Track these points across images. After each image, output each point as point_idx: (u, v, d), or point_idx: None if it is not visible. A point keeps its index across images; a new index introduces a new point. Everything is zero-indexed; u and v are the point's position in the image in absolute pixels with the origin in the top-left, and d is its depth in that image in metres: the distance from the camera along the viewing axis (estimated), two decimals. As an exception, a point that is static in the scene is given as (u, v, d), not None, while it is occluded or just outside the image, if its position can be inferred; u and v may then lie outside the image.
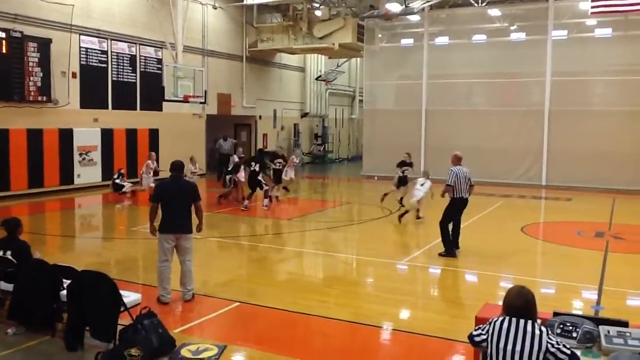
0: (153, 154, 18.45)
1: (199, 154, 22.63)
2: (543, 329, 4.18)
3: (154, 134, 21.41)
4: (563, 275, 9.80)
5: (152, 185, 15.62)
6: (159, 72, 21.33)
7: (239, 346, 6.30)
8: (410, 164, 15.91)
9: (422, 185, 13.60)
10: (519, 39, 22.77)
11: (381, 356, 6.44)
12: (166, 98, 19.24)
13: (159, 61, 21.60)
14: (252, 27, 26.62)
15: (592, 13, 19.79)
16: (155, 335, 5.61)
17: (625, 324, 4.62)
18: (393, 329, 7.06)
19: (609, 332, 4.54)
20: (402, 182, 15.53)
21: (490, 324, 4.26)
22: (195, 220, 7.80)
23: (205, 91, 20.97)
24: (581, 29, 21.72)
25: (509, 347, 4.05)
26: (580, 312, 6.53)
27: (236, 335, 6.71)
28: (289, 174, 17.87)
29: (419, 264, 10.52)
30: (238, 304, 7.67)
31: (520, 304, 4.20)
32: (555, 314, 4.96)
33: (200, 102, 21.15)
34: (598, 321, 4.75)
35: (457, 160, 10.58)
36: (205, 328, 7.02)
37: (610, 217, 15.07)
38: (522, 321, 4.14)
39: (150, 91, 20.92)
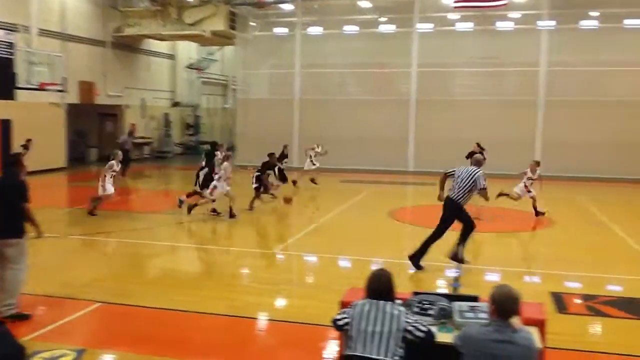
0: None
1: (58, 146, 21.13)
2: (402, 309, 4.32)
3: (5, 125, 19.64)
4: (428, 256, 10.30)
5: None
6: (11, 57, 19.57)
7: (102, 349, 5.94)
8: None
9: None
10: (387, 31, 23.62)
11: (257, 348, 6.37)
12: (19, 85, 17.69)
13: (11, 45, 19.81)
14: (117, 11, 25.23)
15: (455, 7, 21.01)
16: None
17: (475, 299, 4.90)
18: (269, 320, 7.05)
19: (462, 307, 4.80)
20: None
21: (352, 307, 4.34)
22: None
23: (65, 78, 19.59)
24: (445, 22, 22.98)
25: (369, 328, 4.14)
26: (439, 291, 6.86)
27: (100, 338, 6.33)
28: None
29: (292, 252, 10.58)
30: (99, 304, 7.23)
31: (378, 286, 4.32)
32: (415, 294, 5.16)
33: (59, 90, 19.71)
34: (452, 298, 5.01)
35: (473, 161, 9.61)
36: (64, 333, 6.53)
37: (478, 200, 16.03)
38: (381, 303, 4.25)
39: (-1, 78, 19.11)
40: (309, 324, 6.69)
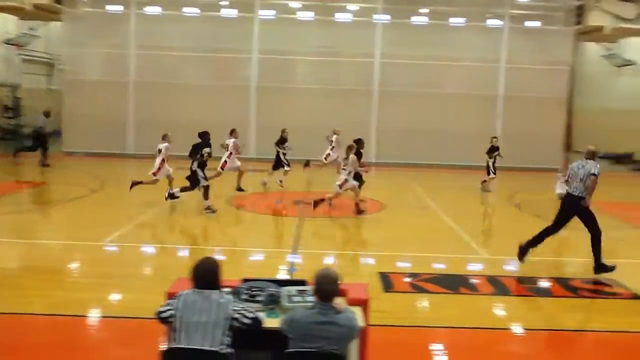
0: None
1: None
2: (228, 297, 4.22)
3: None
4: (264, 243, 10.35)
5: None
6: None
7: None
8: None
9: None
10: (229, 16, 23.23)
11: (84, 346, 5.89)
12: None
13: None
14: None
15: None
16: None
17: (304, 283, 4.93)
18: (99, 316, 6.61)
19: (290, 292, 4.83)
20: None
21: (176, 298, 4.15)
22: None
23: None
24: (287, 10, 23.14)
25: (194, 318, 4.00)
26: (276, 277, 6.86)
27: None
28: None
29: (126, 243, 10.01)
30: None
31: (203, 275, 4.17)
32: (244, 281, 5.08)
33: None
34: (282, 283, 5.00)
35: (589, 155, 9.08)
36: None
37: (308, 186, 16.46)
38: (207, 292, 4.11)
39: None
40: (142, 318, 6.32)
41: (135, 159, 20.91)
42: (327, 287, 3.97)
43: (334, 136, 17.20)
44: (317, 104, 22.44)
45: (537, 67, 22.86)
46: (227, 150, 14.28)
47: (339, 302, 4.20)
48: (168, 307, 4.14)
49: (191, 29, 22.75)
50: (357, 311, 4.55)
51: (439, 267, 9.22)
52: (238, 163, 14.48)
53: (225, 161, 14.16)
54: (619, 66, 28.52)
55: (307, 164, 17.03)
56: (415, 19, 23.59)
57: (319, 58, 22.76)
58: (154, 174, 13.05)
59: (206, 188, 12.01)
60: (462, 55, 22.82)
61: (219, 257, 9.05)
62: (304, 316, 3.99)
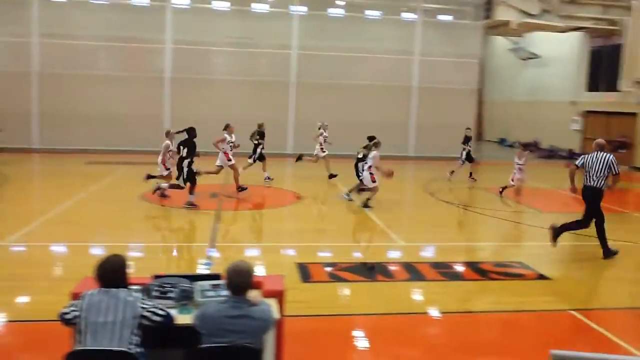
0: None
1: None
2: (137, 294, 4.07)
3: None
4: (180, 237, 10.10)
5: None
6: None
7: None
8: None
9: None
10: (140, 4, 22.38)
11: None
12: None
13: None
14: None
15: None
16: None
17: (218, 277, 4.82)
18: (5, 321, 6.22)
19: (203, 286, 4.71)
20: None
21: (81, 298, 3.96)
22: None
23: None
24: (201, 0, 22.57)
25: (100, 319, 3.84)
26: (189, 273, 6.68)
27: None
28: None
29: (31, 242, 9.46)
30: None
31: (107, 273, 3.99)
32: (155, 277, 4.91)
33: None
34: (195, 278, 4.87)
35: (596, 147, 9.27)
36: None
37: (225, 178, 16.17)
38: (113, 290, 3.95)
39: None
40: (46, 321, 5.96)
41: (39, 154, 19.90)
42: (238, 280, 3.89)
43: (321, 131, 17.37)
44: (234, 96, 22.14)
45: (449, 60, 23.63)
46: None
47: (253, 294, 4.14)
48: (72, 308, 3.95)
49: (100, 18, 21.74)
50: (273, 303, 4.50)
51: (357, 256, 9.34)
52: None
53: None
54: (524, 59, 30.00)
55: (299, 157, 16.94)
56: (331, 11, 23.71)
57: (235, 49, 22.43)
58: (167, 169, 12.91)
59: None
60: (378, 47, 23.19)
61: (131, 254, 8.80)
62: (216, 311, 3.90)
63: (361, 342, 6.03)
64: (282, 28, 22.79)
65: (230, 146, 13.67)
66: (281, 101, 22.73)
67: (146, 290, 4.57)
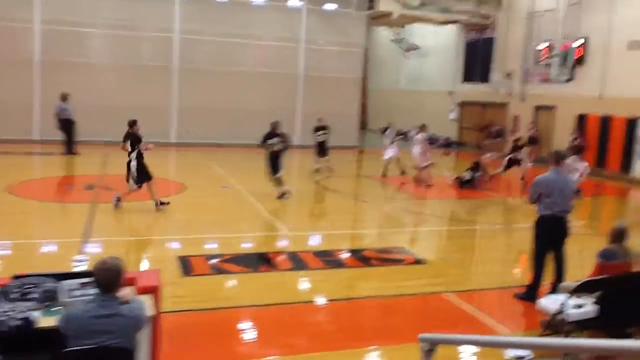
0: None
1: None
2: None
3: None
4: (49, 233, 9.43)
5: None
6: None
7: None
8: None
9: None
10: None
11: None
12: None
13: None
14: None
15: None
16: None
17: (89, 275, 4.51)
18: None
19: (71, 285, 4.40)
20: None
21: None
22: None
23: None
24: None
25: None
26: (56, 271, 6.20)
27: None
28: None
29: None
30: None
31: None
32: (16, 277, 4.51)
33: None
34: (62, 277, 4.53)
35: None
36: None
37: (104, 169, 15.37)
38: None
39: None
40: None
41: None
42: (106, 278, 3.65)
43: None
44: (113, 81, 21.00)
45: (334, 49, 23.91)
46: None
47: (126, 292, 3.91)
48: None
49: None
50: (147, 299, 4.29)
51: (241, 246, 9.19)
52: None
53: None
54: (406, 50, 31.09)
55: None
56: (215, -5, 23.14)
57: (113, 31, 21.18)
58: None
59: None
60: (264, 34, 22.97)
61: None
62: (82, 311, 3.64)
63: (245, 334, 5.94)
64: (163, 11, 21.84)
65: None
66: (164, 87, 21.89)
67: (3, 293, 4.19)
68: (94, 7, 20.88)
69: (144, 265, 7.93)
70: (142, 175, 10.70)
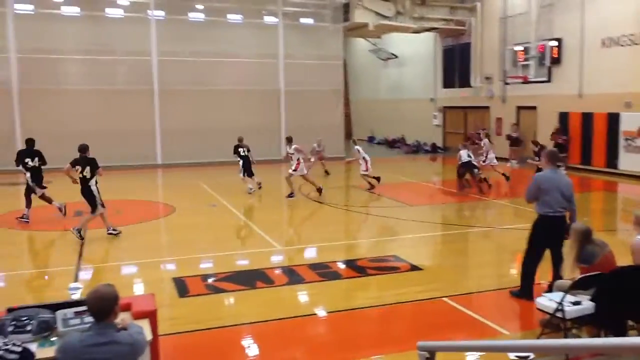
0: None
1: None
2: (-16, 333, 3.60)
3: None
4: (43, 262, 9.29)
5: None
6: None
7: None
8: None
9: None
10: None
11: None
12: None
13: None
14: None
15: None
16: None
17: (82, 303, 4.44)
18: None
19: (66, 315, 4.33)
20: None
21: None
22: None
23: None
24: (47, 4, 20.95)
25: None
26: (49, 302, 6.10)
27: None
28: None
29: None
30: None
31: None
32: (9, 310, 4.43)
33: None
34: (56, 307, 4.46)
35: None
36: None
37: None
38: (-43, 332, 3.46)
39: None
40: None
41: None
42: (100, 305, 3.57)
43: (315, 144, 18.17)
44: (91, 107, 20.87)
45: (313, 62, 24.01)
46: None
47: (123, 318, 3.84)
48: None
49: None
50: (144, 324, 4.22)
51: (236, 264, 9.12)
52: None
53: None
54: (384, 59, 31.31)
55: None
56: (192, 15, 23.14)
57: (90, 57, 21.10)
58: None
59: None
60: (242, 51, 23.03)
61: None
62: (79, 340, 3.55)
63: (246, 351, 5.87)
64: (139, 34, 21.82)
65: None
66: (145, 110, 21.81)
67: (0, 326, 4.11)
68: (68, 33, 20.85)
69: (139, 289, 7.82)
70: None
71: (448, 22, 24.83)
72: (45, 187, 12.17)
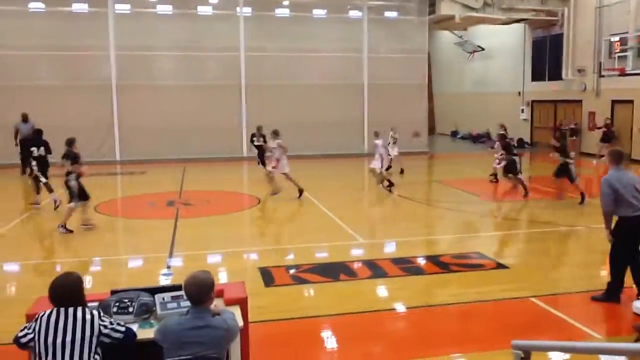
0: None
1: None
2: (95, 312, 3.92)
3: None
4: (139, 248, 9.85)
5: None
6: None
7: None
8: None
9: None
10: (80, 10, 21.73)
11: None
12: None
13: None
14: None
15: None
16: None
17: (178, 288, 4.70)
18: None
19: (164, 299, 4.58)
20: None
21: (36, 320, 3.79)
22: None
23: None
24: (143, 4, 22.07)
25: (59, 339, 3.70)
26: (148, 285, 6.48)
27: None
28: None
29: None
30: None
31: (63, 291, 3.83)
32: (113, 292, 4.76)
33: None
34: (154, 291, 4.74)
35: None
36: None
37: (181, 185, 15.94)
38: (70, 309, 3.80)
39: None
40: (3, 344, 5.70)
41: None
42: (196, 291, 3.80)
43: (391, 133, 17.98)
44: (184, 101, 21.79)
45: (397, 56, 23.84)
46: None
47: (216, 304, 4.05)
48: (27, 331, 3.81)
49: (38, 26, 20.91)
50: (235, 311, 4.42)
51: (319, 256, 9.30)
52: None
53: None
54: (470, 52, 30.57)
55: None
56: (278, 11, 23.61)
57: (182, 53, 22.05)
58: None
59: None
60: (326, 46, 23.22)
61: (90, 269, 8.55)
62: (177, 323, 3.79)
63: (328, 343, 6.00)
64: (228, 30, 22.54)
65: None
66: (232, 105, 22.50)
67: (104, 307, 4.42)
68: (162, 31, 21.84)
69: (227, 278, 8.15)
70: (83, 194, 10.64)
71: (538, 13, 23.92)
72: (47, 178, 12.37)
